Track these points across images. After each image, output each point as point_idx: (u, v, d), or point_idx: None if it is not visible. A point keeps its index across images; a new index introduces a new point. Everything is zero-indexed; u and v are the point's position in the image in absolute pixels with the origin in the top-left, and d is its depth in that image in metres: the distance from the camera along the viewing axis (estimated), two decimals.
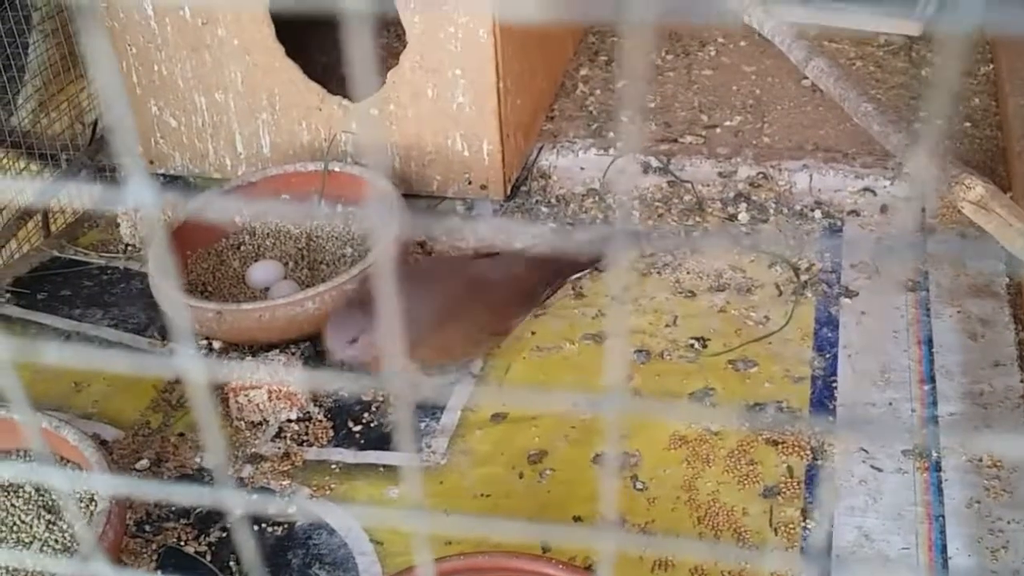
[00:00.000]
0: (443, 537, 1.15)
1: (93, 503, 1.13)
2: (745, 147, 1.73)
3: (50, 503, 1.15)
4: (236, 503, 0.28)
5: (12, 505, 1.15)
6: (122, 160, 0.21)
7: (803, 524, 1.16)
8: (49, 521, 1.13)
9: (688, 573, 1.11)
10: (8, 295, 1.56)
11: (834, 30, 2.03)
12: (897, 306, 1.46)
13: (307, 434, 1.32)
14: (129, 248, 1.66)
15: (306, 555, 1.16)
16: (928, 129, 1.45)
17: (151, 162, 1.79)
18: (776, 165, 1.68)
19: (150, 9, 1.63)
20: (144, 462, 1.27)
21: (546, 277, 1.43)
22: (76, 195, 1.78)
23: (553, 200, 1.71)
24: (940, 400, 1.30)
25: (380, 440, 1.31)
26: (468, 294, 1.33)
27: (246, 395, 1.34)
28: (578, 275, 1.51)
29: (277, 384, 1.33)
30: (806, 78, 1.85)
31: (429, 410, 1.35)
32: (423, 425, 1.33)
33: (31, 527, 1.13)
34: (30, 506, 1.15)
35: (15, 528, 1.13)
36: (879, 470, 1.22)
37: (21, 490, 1.17)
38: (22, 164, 1.87)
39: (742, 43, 2.03)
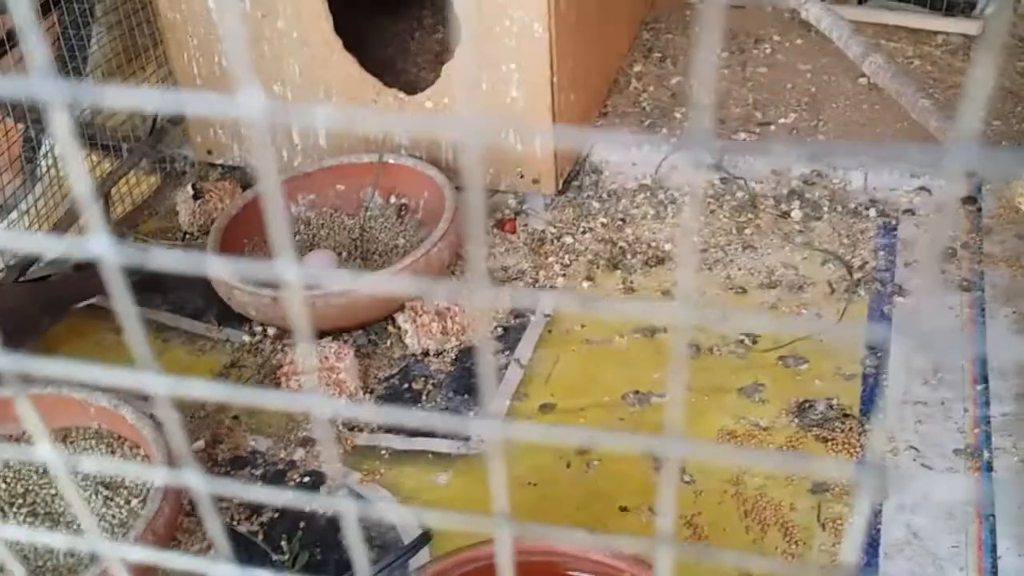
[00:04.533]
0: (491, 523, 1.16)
1: (150, 479, 1.15)
2: (800, 145, 1.72)
3: (108, 479, 1.18)
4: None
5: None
6: (233, 68, 0.22)
7: (851, 520, 1.16)
8: (107, 497, 1.16)
9: (732, 567, 1.11)
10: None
11: (892, 28, 2.01)
12: (951, 305, 1.44)
13: (357, 420, 1.34)
14: (187, 236, 1.69)
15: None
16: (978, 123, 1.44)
17: (209, 152, 1.82)
18: (831, 163, 1.67)
19: (211, 1, 1.66)
20: (200, 443, 1.30)
21: (48, 307, 1.37)
22: (136, 184, 1.82)
23: (604, 195, 1.72)
24: (992, 400, 1.29)
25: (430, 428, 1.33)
26: None
27: (297, 380, 1.37)
28: (85, 302, 1.44)
29: (328, 370, 1.35)
30: (862, 76, 1.84)
31: (477, 398, 1.36)
32: (471, 414, 1.34)
33: (89, 502, 1.16)
34: (88, 482, 1.18)
35: (65, 512, 1.16)
36: (930, 468, 1.21)
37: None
38: (83, 154, 1.91)
39: (798, 41, 2.02)
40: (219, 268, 0.26)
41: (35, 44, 0.20)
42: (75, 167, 0.21)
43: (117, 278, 0.23)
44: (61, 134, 0.22)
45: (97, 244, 0.22)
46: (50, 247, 0.24)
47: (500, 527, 0.29)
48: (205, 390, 0.29)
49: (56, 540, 0.35)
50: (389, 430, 1.33)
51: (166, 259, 0.25)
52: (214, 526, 0.32)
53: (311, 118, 0.23)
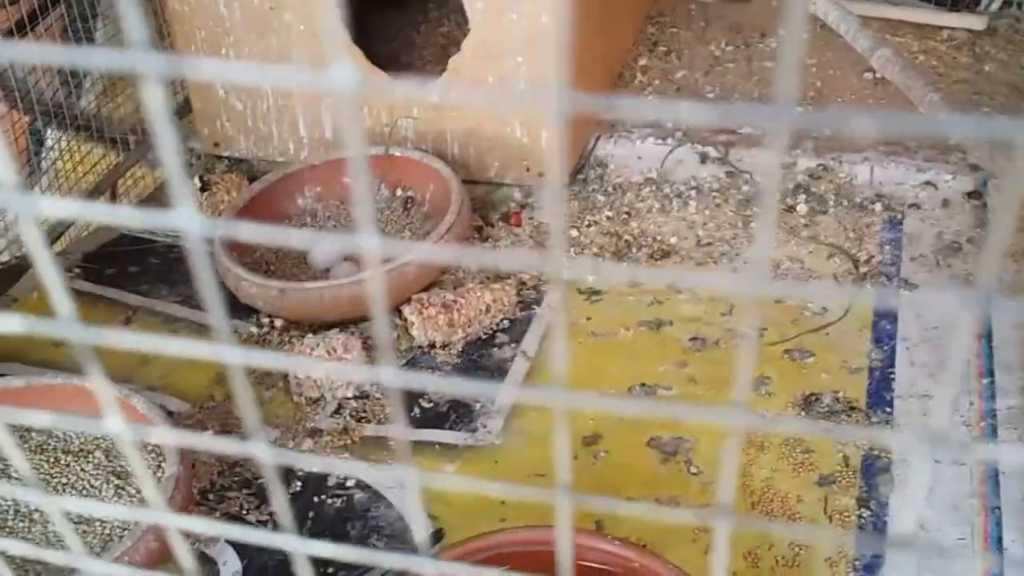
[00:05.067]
0: (498, 514, 1.17)
1: (160, 470, 1.16)
2: (805, 138, 1.73)
3: (119, 468, 1.19)
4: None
5: (82, 470, 1.19)
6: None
7: (858, 512, 1.16)
8: (118, 486, 1.16)
9: (741, 558, 1.12)
10: (78, 270, 1.61)
11: (896, 23, 2.01)
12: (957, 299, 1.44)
13: (365, 411, 1.35)
14: None
15: (364, 526, 1.19)
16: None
17: (216, 144, 1.83)
18: (837, 157, 1.68)
19: None
20: (209, 433, 1.31)
21: None
22: (143, 176, 1.83)
23: (610, 188, 1.72)
24: (998, 394, 1.29)
25: (437, 419, 1.33)
26: None
27: (305, 371, 1.37)
28: None
29: (335, 361, 1.36)
30: (868, 70, 1.84)
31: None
32: (479, 405, 1.35)
33: (100, 491, 1.17)
34: (99, 471, 1.18)
35: (85, 492, 1.17)
36: (936, 461, 1.22)
37: (91, 455, 1.20)
38: (89, 147, 1.92)
39: (803, 35, 2.02)
40: (297, 239, 0.27)
41: (134, 19, 0.21)
42: (167, 142, 0.22)
43: (200, 249, 0.23)
44: (155, 108, 0.22)
45: (183, 216, 0.23)
46: (135, 219, 0.24)
47: (561, 498, 0.30)
48: (266, 360, 0.30)
49: (119, 511, 0.36)
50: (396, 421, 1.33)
51: (249, 231, 0.26)
52: (279, 499, 0.33)
53: (404, 91, 0.24)
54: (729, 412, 0.27)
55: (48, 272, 0.25)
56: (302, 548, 0.33)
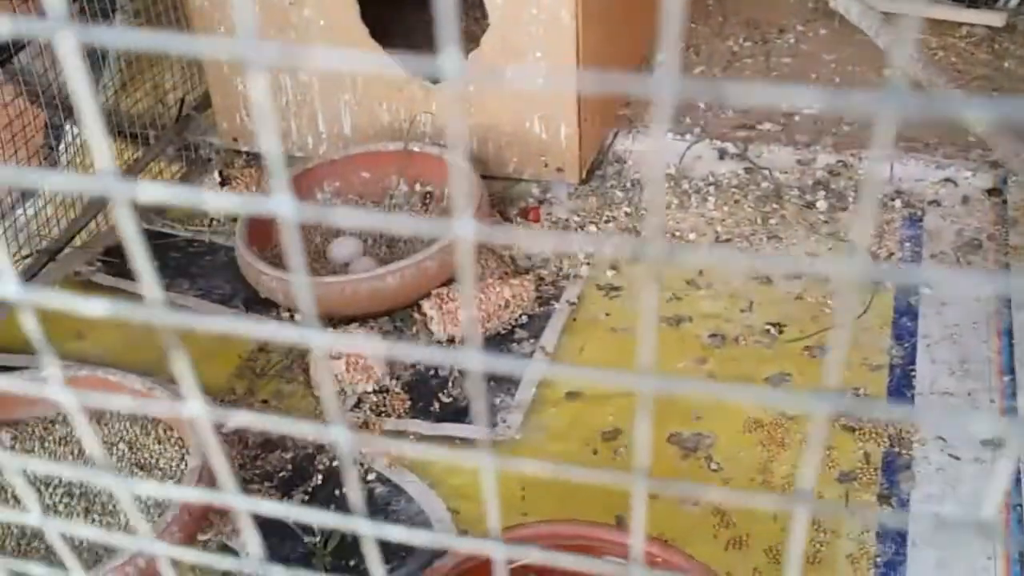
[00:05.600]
0: (519, 508, 1.18)
1: (184, 462, 1.17)
2: (824, 135, 1.72)
3: (143, 460, 1.19)
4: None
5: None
6: None
7: (879, 509, 1.16)
8: (142, 478, 1.17)
9: (762, 552, 1.12)
10: (99, 264, 1.61)
11: (911, 18, 2.00)
12: (978, 297, 1.44)
13: (385, 405, 1.35)
14: (215, 222, 1.70)
15: (385, 519, 1.19)
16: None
17: (235, 139, 1.83)
18: (856, 153, 1.67)
19: None
20: (231, 424, 1.31)
21: None
22: (164, 170, 1.83)
23: (628, 184, 1.72)
24: (1019, 391, 1.29)
25: (456, 413, 1.34)
26: None
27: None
28: None
29: (355, 356, 1.36)
30: (887, 67, 1.84)
31: (504, 385, 1.37)
32: (498, 400, 1.35)
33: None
34: (123, 463, 1.19)
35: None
36: (957, 459, 1.22)
37: (115, 448, 1.21)
38: (108, 142, 1.92)
39: (822, 31, 2.02)
40: (400, 224, 0.27)
41: (243, 11, 0.21)
42: (267, 129, 0.22)
43: (295, 235, 0.24)
44: (259, 97, 0.22)
45: (279, 203, 0.23)
46: (235, 204, 0.24)
47: (638, 483, 0.30)
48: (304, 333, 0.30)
49: (151, 488, 0.36)
50: (416, 415, 1.34)
51: (346, 215, 0.26)
52: (352, 483, 0.33)
53: (519, 79, 0.24)
54: (819, 399, 0.27)
55: (140, 256, 0.25)
56: (373, 532, 0.33)
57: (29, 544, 1.11)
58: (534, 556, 0.34)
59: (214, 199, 0.24)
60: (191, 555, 0.37)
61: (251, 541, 0.35)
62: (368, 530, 0.33)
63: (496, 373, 1.38)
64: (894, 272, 0.25)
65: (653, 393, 0.27)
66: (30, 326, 0.27)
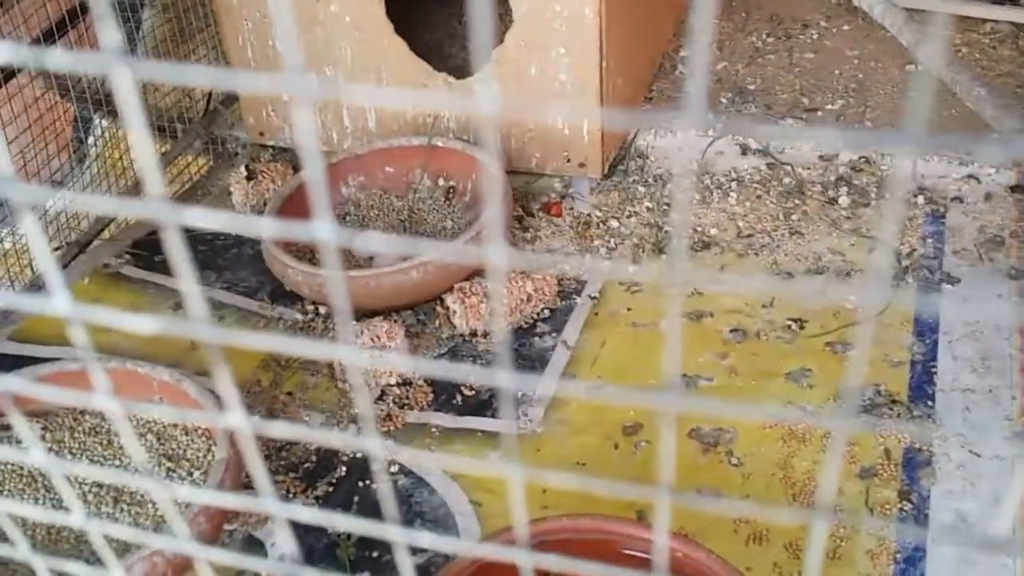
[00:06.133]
0: (540, 501, 1.19)
1: (211, 453, 1.19)
2: (847, 131, 1.72)
3: (170, 451, 1.21)
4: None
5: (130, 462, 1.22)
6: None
7: (899, 505, 1.17)
8: (169, 468, 1.19)
9: (782, 548, 1.13)
10: (128, 256, 1.64)
11: (941, 15, 2.00)
12: (999, 294, 1.44)
13: (408, 398, 1.37)
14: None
15: (408, 512, 1.21)
16: None
17: (261, 133, 1.85)
18: (878, 150, 1.67)
19: None
20: (255, 418, 1.33)
21: None
22: (188, 165, 1.86)
23: (650, 179, 1.73)
24: None
25: (479, 406, 1.35)
26: None
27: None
28: None
29: (379, 348, 1.38)
30: (910, 63, 1.83)
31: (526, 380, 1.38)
32: (520, 394, 1.36)
33: (152, 475, 1.20)
34: (152, 453, 1.21)
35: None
36: (977, 455, 1.22)
37: (143, 439, 1.23)
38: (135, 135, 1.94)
39: (845, 27, 2.01)
40: (435, 251, 0.28)
41: (288, 44, 0.22)
42: (311, 158, 0.23)
43: (335, 258, 0.25)
44: (305, 127, 0.23)
45: (320, 228, 0.24)
46: (278, 230, 0.26)
47: (662, 496, 0.31)
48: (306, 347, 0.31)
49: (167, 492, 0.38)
50: (439, 408, 1.36)
51: (380, 241, 0.27)
52: (385, 492, 0.34)
53: (552, 112, 0.25)
54: (838, 419, 0.28)
55: (187, 278, 0.26)
56: (404, 538, 0.34)
57: (59, 533, 1.14)
58: (561, 563, 0.36)
59: (264, 225, 0.25)
60: (229, 558, 0.38)
61: (286, 544, 0.37)
62: (400, 537, 0.34)
63: (517, 367, 1.40)
64: (916, 299, 0.26)
65: (676, 410, 0.29)
66: (79, 340, 0.29)
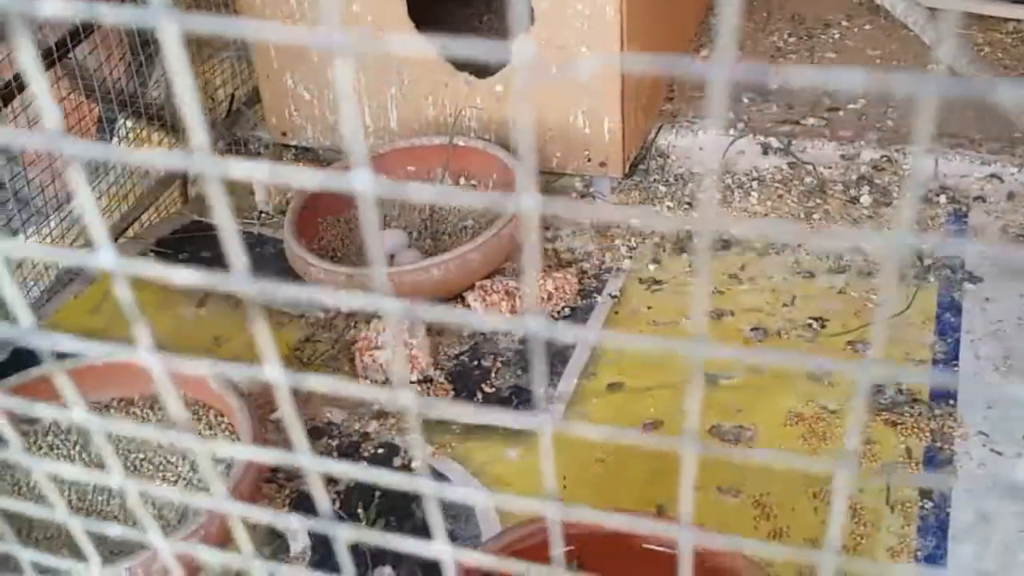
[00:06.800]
0: (560, 497, 1.19)
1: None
2: (868, 130, 1.72)
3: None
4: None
5: (159, 446, 1.23)
6: None
7: (920, 504, 1.17)
8: (193, 462, 1.20)
9: (802, 542, 1.13)
10: (152, 254, 1.65)
11: (963, 14, 1.99)
12: (1022, 293, 1.44)
13: (428, 395, 1.38)
14: (263, 215, 1.74)
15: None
16: None
17: (284, 133, 1.86)
18: (900, 149, 1.67)
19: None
20: (278, 413, 1.34)
21: None
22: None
23: (671, 179, 1.73)
24: None
25: (499, 404, 1.36)
26: None
27: (371, 355, 1.40)
28: None
29: (401, 346, 1.39)
30: (932, 62, 1.83)
31: (547, 376, 1.38)
32: (540, 391, 1.36)
33: (176, 467, 1.21)
34: (175, 446, 1.22)
35: (161, 467, 1.21)
36: (999, 454, 1.21)
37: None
38: (159, 136, 1.96)
39: (867, 26, 2.01)
40: (467, 199, 0.29)
41: (329, 9, 0.23)
42: (348, 111, 0.24)
43: (371, 209, 0.25)
44: (343, 80, 0.24)
45: (357, 178, 0.25)
46: (317, 181, 0.26)
47: (687, 449, 0.32)
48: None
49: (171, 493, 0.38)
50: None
51: (418, 191, 0.27)
52: (418, 446, 0.35)
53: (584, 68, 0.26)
54: (840, 465, 0.28)
55: (229, 229, 0.27)
56: (454, 556, 0.35)
57: (108, 502, 1.15)
58: (587, 515, 0.36)
59: (297, 175, 0.26)
60: (267, 515, 0.39)
61: (321, 501, 0.37)
62: (430, 490, 0.35)
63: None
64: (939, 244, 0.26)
65: (703, 360, 0.29)
66: (123, 294, 0.30)
